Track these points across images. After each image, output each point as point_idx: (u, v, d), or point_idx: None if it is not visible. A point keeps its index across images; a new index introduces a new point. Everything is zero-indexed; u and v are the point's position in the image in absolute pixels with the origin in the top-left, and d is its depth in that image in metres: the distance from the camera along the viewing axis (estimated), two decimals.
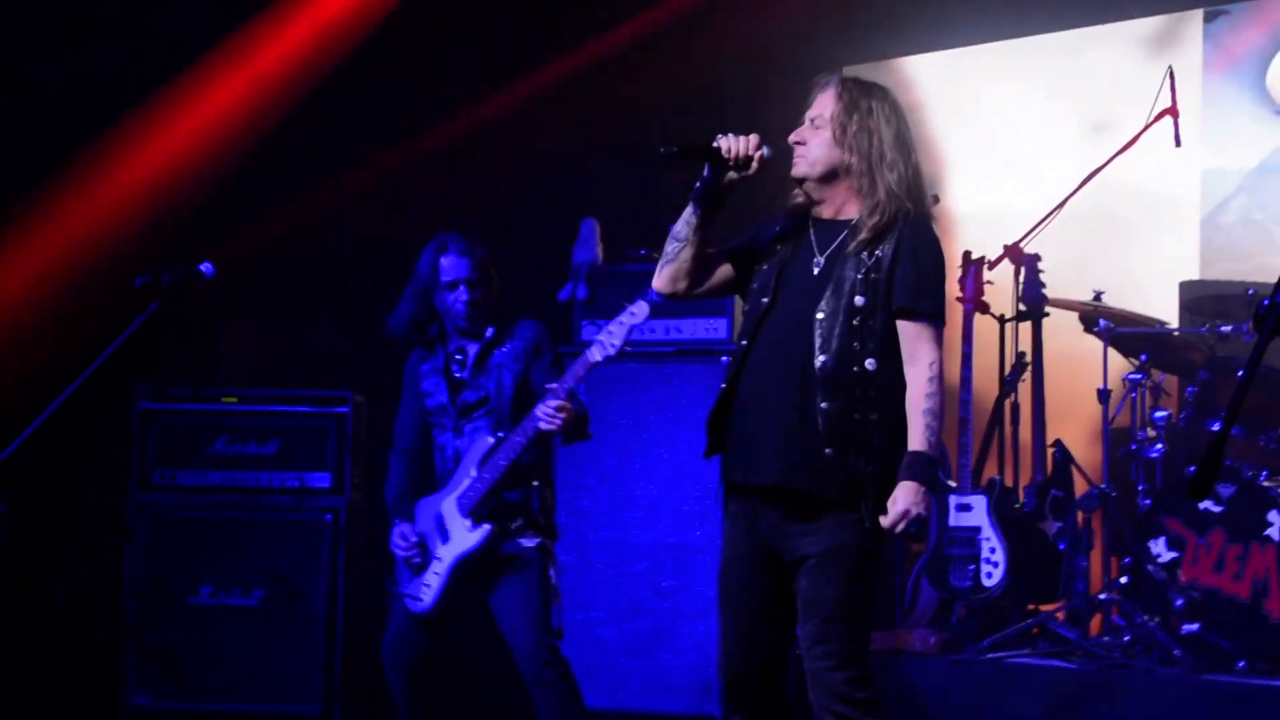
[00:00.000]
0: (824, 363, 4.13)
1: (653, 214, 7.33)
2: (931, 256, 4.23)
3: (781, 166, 4.30)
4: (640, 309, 5.28)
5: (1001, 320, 7.13)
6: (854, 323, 4.13)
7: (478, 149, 8.23)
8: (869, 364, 4.14)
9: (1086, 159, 7.26)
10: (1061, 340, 7.15)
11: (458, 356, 5.66)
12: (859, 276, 4.16)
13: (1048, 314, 6.98)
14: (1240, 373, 6.29)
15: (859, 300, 4.14)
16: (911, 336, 4.16)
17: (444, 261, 5.59)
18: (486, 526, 5.43)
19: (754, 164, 4.19)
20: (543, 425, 5.32)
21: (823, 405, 4.10)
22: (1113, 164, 7.04)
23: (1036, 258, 6.98)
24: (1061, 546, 6.70)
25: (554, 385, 5.33)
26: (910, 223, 4.19)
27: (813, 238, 4.29)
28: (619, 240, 7.32)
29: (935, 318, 4.20)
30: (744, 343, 4.26)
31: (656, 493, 6.93)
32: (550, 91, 8.30)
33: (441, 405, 5.65)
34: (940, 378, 4.16)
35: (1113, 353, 6.81)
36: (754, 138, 4.20)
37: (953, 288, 6.95)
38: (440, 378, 5.67)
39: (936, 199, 7.20)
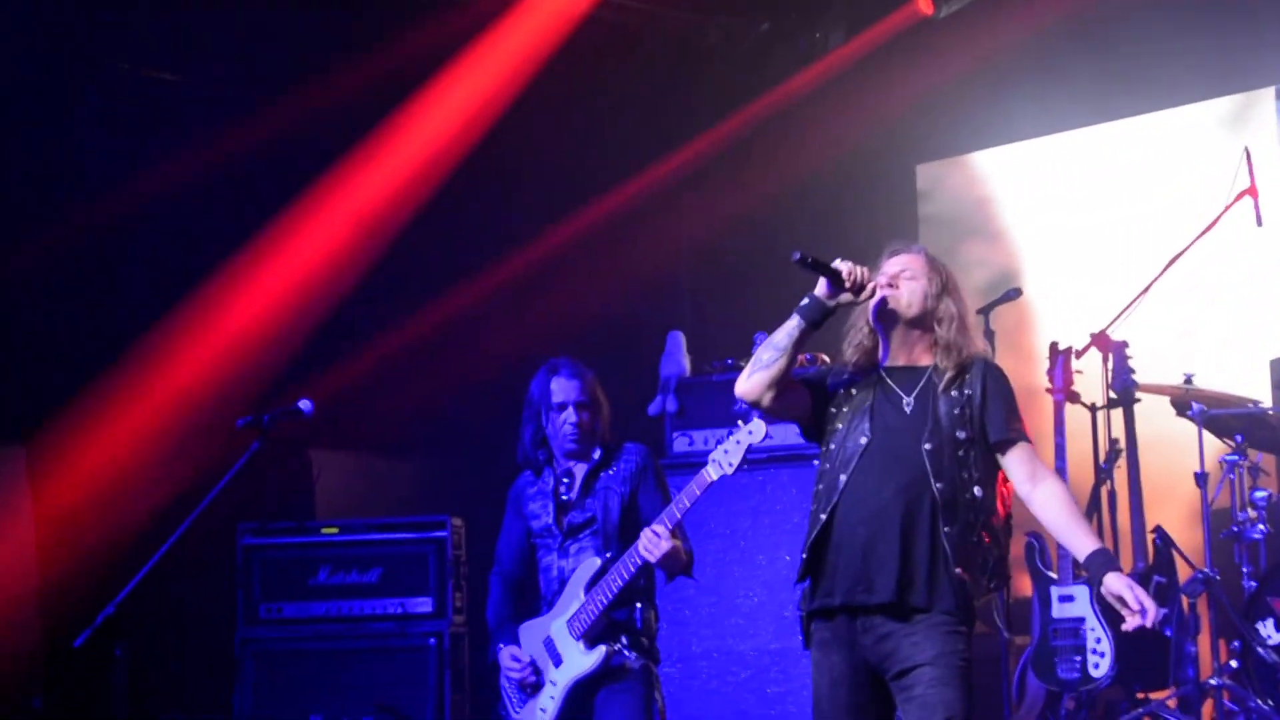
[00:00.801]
0: (941, 490, 4.33)
1: (736, 325, 7.44)
2: (1009, 392, 4.51)
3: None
4: (758, 427, 5.17)
5: (1093, 409, 7.10)
6: (959, 454, 4.38)
7: (560, 271, 8.33)
8: (976, 491, 4.39)
9: (1168, 243, 7.22)
10: (1155, 425, 7.09)
11: (565, 479, 5.69)
12: (956, 412, 4.40)
13: (1139, 400, 6.93)
14: None
15: (960, 434, 4.38)
16: (1026, 459, 4.44)
17: (554, 384, 5.63)
18: (603, 648, 5.41)
19: (866, 292, 4.40)
20: (642, 553, 5.32)
21: (945, 530, 4.31)
22: (1196, 246, 7.03)
23: (1124, 344, 6.94)
24: (1168, 633, 6.60)
25: (670, 509, 5.30)
26: (987, 365, 4.50)
27: (892, 383, 4.49)
28: (705, 352, 7.37)
29: (1028, 440, 4.49)
30: (842, 477, 4.39)
31: (757, 600, 6.92)
32: (631, 210, 8.39)
33: (547, 527, 5.65)
34: None
35: (1208, 435, 6.76)
36: (868, 270, 4.43)
37: (1041, 379, 6.98)
38: (548, 500, 5.67)
39: (1019, 291, 7.28)
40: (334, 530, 7.44)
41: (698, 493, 5.22)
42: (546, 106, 8.22)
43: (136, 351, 7.63)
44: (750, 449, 5.29)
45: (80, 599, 6.01)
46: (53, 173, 7.51)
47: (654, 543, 5.27)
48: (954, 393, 4.41)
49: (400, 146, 8.00)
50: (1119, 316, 7.02)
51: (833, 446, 4.48)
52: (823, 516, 4.40)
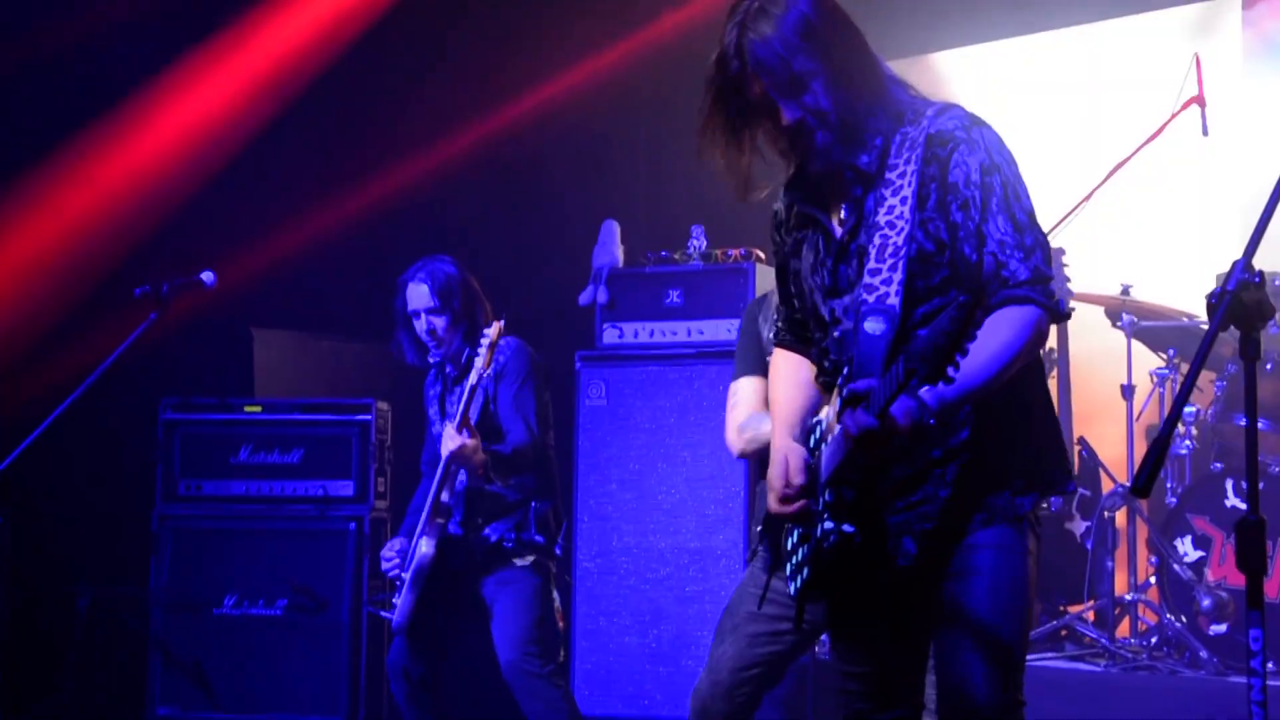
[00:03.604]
0: None
1: (670, 217, 7.33)
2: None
3: None
4: (493, 329, 5.38)
5: None
6: None
7: (498, 155, 8.17)
8: None
9: (1121, 151, 7.08)
10: (1091, 336, 6.99)
11: (452, 373, 5.69)
12: None
13: (1073, 309, 6.79)
14: (1271, 364, 6.18)
15: None
16: None
17: (408, 292, 5.68)
18: (432, 544, 5.52)
19: None
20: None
21: None
22: (1143, 155, 6.90)
23: (1061, 251, 6.82)
24: (1089, 546, 6.55)
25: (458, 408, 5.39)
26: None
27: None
28: (639, 243, 7.26)
29: None
30: None
31: (678, 497, 6.84)
32: (570, 97, 8.21)
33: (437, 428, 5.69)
34: None
35: (1145, 349, 6.67)
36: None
37: None
38: (435, 404, 5.79)
39: None
40: (257, 409, 7.36)
41: (468, 397, 5.35)
42: None
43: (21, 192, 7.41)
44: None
45: None
46: None
47: (445, 441, 5.34)
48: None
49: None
50: (1060, 223, 6.87)
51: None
52: None
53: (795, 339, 3.61)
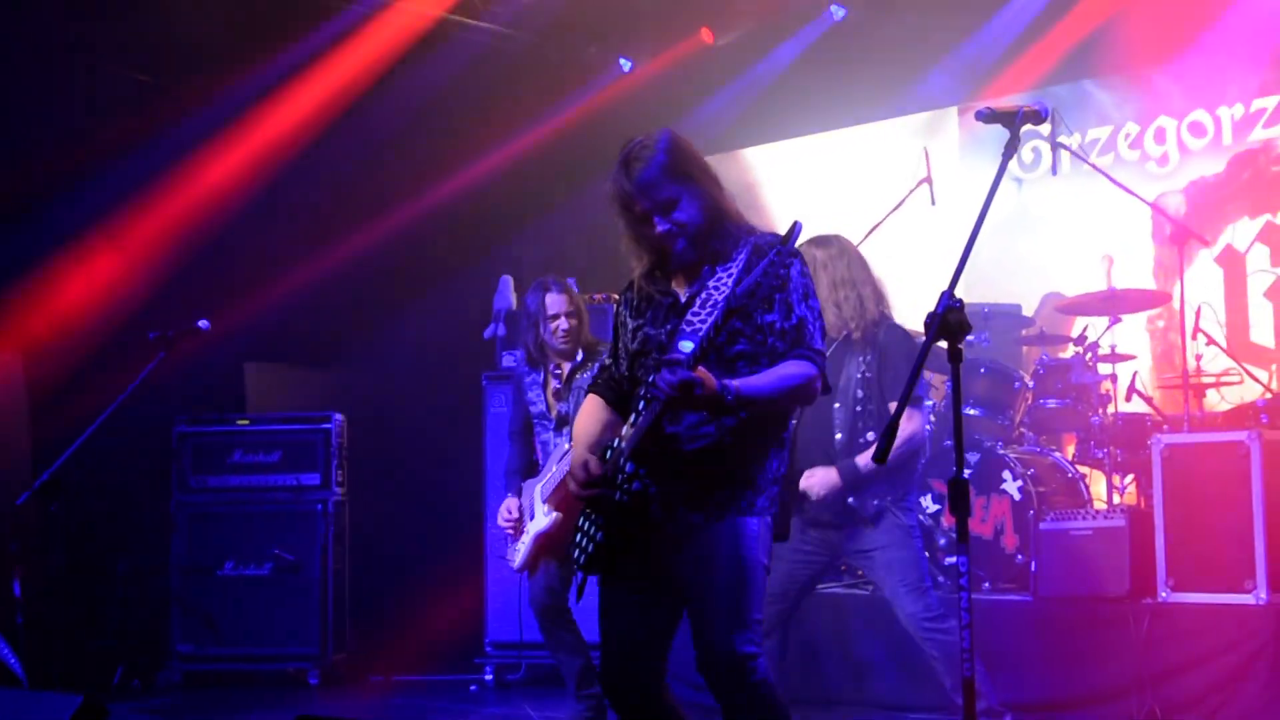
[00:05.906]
0: None
1: (551, 272, 7.27)
2: None
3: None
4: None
5: None
6: None
7: (429, 230, 8.03)
8: None
9: (875, 215, 7.18)
10: None
11: (556, 372, 5.45)
12: None
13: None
14: (984, 368, 6.29)
15: None
16: None
17: (548, 299, 5.35)
18: (556, 515, 5.26)
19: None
20: None
21: None
22: (893, 219, 7.02)
23: None
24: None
25: None
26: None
27: None
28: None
29: None
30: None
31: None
32: (478, 186, 8.11)
33: (542, 413, 5.45)
34: None
35: None
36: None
37: None
38: (541, 390, 5.46)
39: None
40: (246, 421, 7.28)
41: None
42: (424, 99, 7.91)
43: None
44: None
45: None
46: None
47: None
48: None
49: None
50: None
51: None
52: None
53: (606, 389, 3.53)
